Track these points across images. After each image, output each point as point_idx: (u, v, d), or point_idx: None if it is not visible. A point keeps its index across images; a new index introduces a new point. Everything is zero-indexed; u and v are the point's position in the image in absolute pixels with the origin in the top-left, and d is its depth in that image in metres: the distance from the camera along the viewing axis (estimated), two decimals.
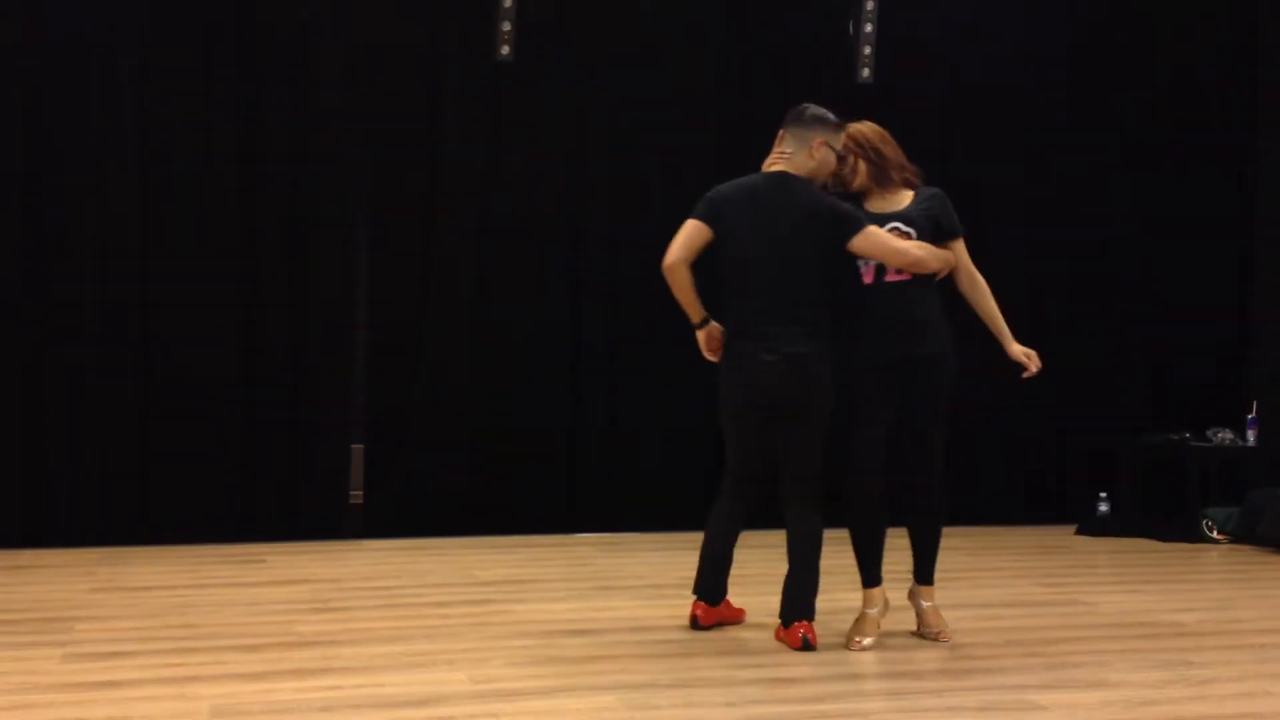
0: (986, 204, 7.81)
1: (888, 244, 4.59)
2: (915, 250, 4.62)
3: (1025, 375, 4.82)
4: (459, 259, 7.05)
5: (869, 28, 7.52)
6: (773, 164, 4.76)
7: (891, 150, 4.83)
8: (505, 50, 7.01)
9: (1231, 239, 8.03)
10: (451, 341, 7.03)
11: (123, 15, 6.48)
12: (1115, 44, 7.96)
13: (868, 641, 4.63)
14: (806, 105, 4.79)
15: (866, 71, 7.57)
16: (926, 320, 4.71)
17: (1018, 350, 4.84)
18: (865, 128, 4.85)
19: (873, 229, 4.60)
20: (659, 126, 7.31)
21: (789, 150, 4.74)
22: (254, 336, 6.72)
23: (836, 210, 4.63)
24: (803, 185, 4.69)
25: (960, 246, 4.81)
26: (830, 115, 4.77)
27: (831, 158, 4.75)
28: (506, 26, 6.99)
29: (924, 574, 4.84)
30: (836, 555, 5.02)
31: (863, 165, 4.83)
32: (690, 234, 4.73)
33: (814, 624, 4.59)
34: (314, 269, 6.79)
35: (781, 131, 4.77)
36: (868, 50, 7.54)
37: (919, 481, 4.73)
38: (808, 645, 4.52)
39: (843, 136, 4.77)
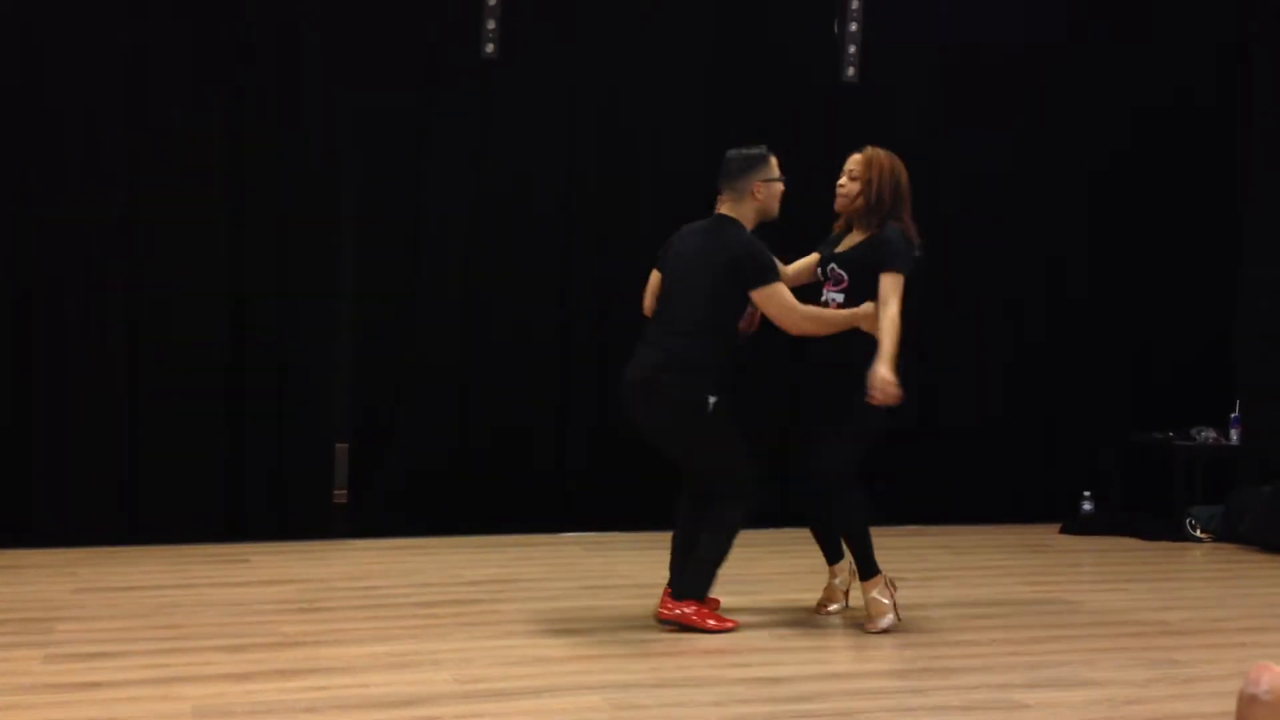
0: (971, 203, 7.82)
1: (782, 306, 4.72)
2: (804, 323, 4.76)
3: (872, 399, 4.66)
4: (446, 259, 7.03)
5: (854, 27, 7.52)
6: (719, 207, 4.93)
7: (898, 191, 4.85)
8: (490, 48, 7.00)
9: (1217, 238, 8.05)
10: (438, 340, 7.01)
11: (113, 6, 6.45)
12: (1103, 45, 7.97)
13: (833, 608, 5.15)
14: (729, 155, 4.88)
15: (851, 71, 7.57)
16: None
17: (881, 372, 4.63)
18: (886, 158, 4.89)
19: (777, 289, 4.73)
20: (646, 126, 7.30)
21: (729, 204, 4.86)
22: (239, 335, 6.68)
23: (750, 258, 4.73)
24: (730, 225, 4.82)
25: (886, 280, 4.72)
26: (754, 149, 4.87)
27: (775, 188, 4.88)
28: (491, 25, 6.97)
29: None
30: (805, 555, 5.03)
31: (857, 190, 4.86)
32: (651, 280, 5.05)
33: (697, 605, 4.76)
34: (300, 268, 6.76)
35: (719, 187, 4.89)
36: (852, 50, 7.54)
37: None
38: (668, 622, 4.77)
39: (773, 160, 4.87)
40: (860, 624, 4.93)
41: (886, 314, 4.69)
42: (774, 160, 4.86)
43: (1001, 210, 7.89)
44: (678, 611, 4.76)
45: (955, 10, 7.76)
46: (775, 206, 4.89)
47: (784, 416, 7.42)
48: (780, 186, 4.88)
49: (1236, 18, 7.88)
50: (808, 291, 5.04)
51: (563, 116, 7.21)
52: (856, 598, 5.09)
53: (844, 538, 5.00)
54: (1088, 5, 7.95)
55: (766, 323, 4.91)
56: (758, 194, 4.81)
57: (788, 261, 5.12)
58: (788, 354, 7.28)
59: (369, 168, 6.98)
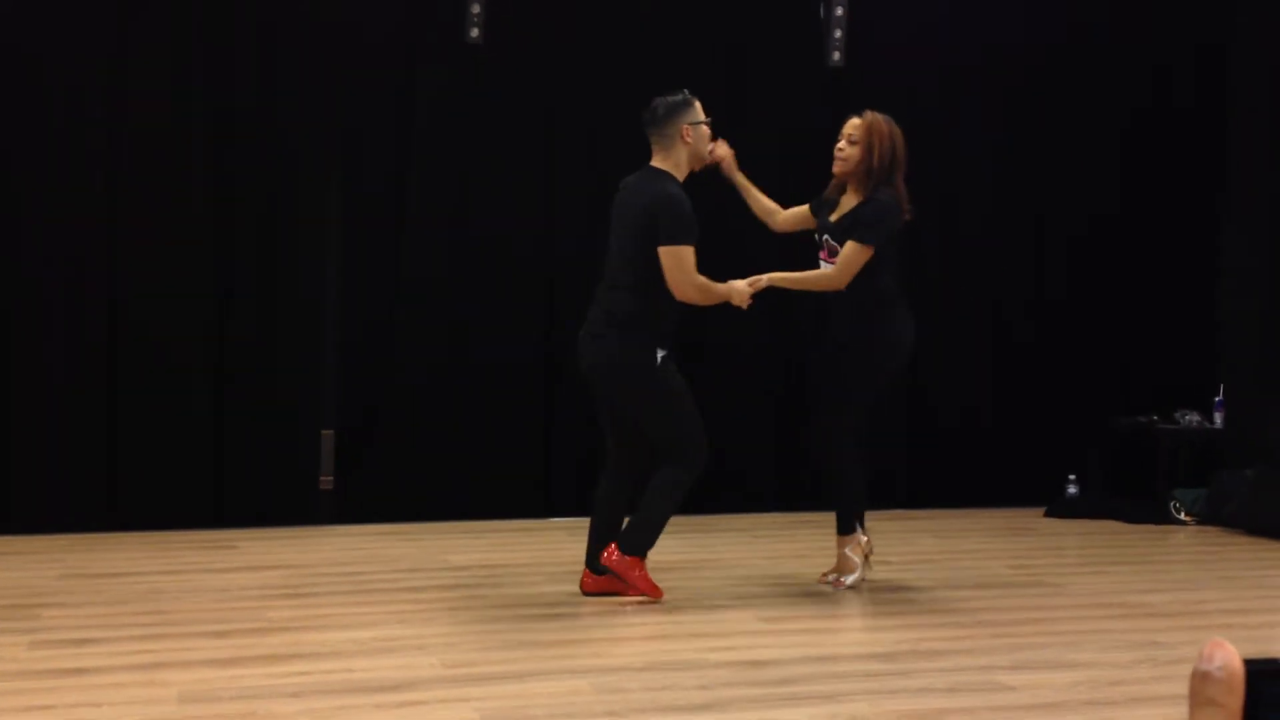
0: (957, 189, 7.83)
1: (680, 269, 4.74)
2: (692, 290, 4.77)
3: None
4: (431, 243, 7.02)
5: (839, 11, 7.51)
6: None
7: (895, 157, 4.93)
8: (475, 33, 6.97)
9: (1201, 223, 8.07)
10: (424, 326, 7.00)
11: (93, 3, 6.42)
12: (1092, 33, 7.96)
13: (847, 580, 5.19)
14: (654, 104, 4.94)
15: (837, 55, 7.55)
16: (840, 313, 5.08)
17: (740, 286, 4.93)
18: (885, 124, 4.95)
19: (683, 252, 4.73)
20: (630, 108, 7.24)
21: (660, 153, 4.92)
22: (224, 320, 6.67)
23: (667, 213, 4.76)
24: (659, 178, 4.87)
25: (851, 247, 4.91)
26: (677, 95, 4.94)
27: (703, 131, 4.94)
28: (476, 9, 6.94)
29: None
30: (792, 540, 5.04)
31: (857, 155, 4.91)
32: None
33: (636, 561, 4.85)
34: (285, 252, 6.74)
35: (649, 136, 4.97)
36: (838, 34, 7.53)
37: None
38: (594, 592, 4.92)
39: (698, 104, 4.94)
40: (839, 600, 4.94)
41: (825, 271, 4.96)
42: (698, 104, 4.93)
43: (988, 191, 7.89)
44: (615, 559, 4.81)
45: None
46: (705, 149, 4.97)
47: (784, 406, 7.46)
48: (707, 130, 4.94)
49: (1221, 17, 7.88)
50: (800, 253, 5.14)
51: (549, 102, 7.18)
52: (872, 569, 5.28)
53: (833, 491, 5.13)
54: None
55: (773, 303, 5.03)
56: (687, 138, 4.87)
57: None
58: (790, 344, 7.31)
59: (353, 153, 6.95)
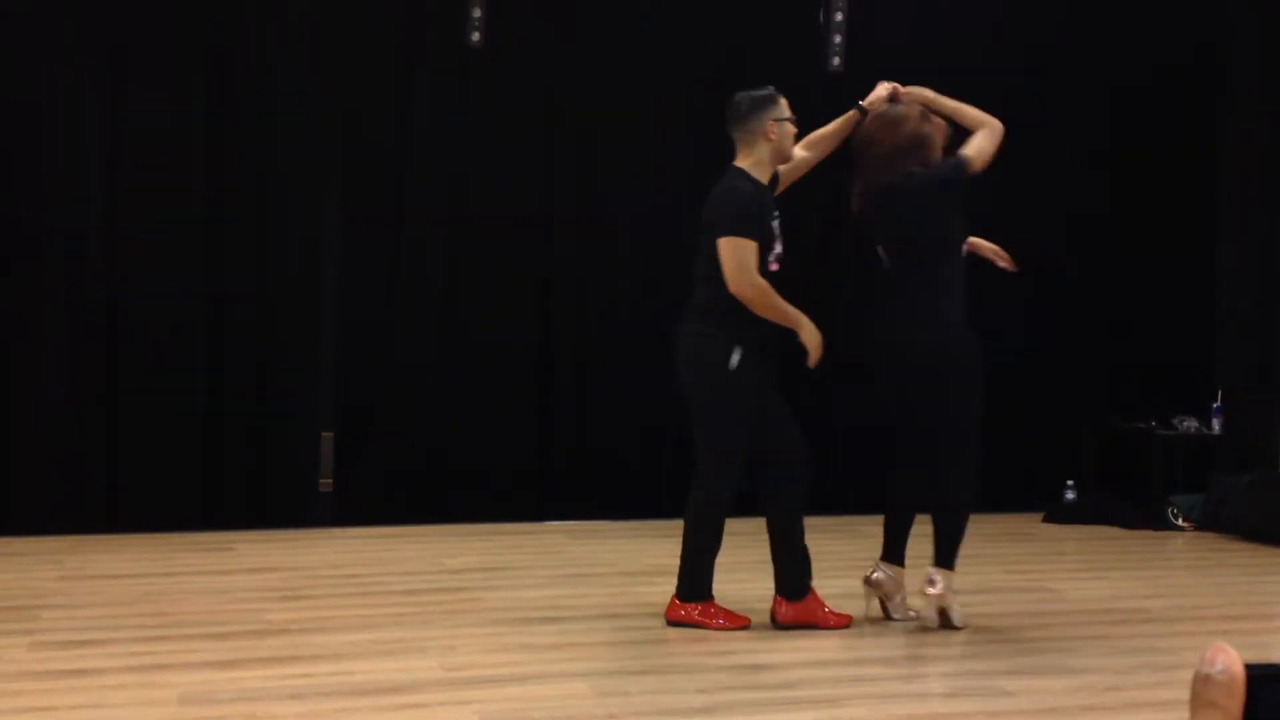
0: None
1: (738, 261, 4.52)
2: (749, 289, 4.52)
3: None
4: (429, 246, 7.03)
5: (839, 16, 7.52)
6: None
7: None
8: (475, 37, 6.98)
9: (1198, 227, 8.07)
10: (422, 328, 7.01)
11: (89, 5, 6.43)
12: (1091, 34, 7.97)
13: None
14: (737, 98, 4.75)
15: (837, 60, 7.56)
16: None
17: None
18: None
19: (738, 243, 4.51)
20: (628, 114, 7.29)
21: (743, 150, 4.73)
22: (223, 322, 6.68)
23: (722, 205, 4.60)
24: (732, 175, 4.70)
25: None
26: (760, 91, 4.75)
27: (788, 128, 4.75)
28: (477, 13, 6.95)
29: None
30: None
31: (937, 128, 4.95)
32: None
33: (701, 605, 4.67)
34: (283, 255, 6.75)
35: (731, 134, 4.78)
36: (838, 38, 7.54)
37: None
38: (676, 623, 4.65)
39: (783, 100, 4.76)
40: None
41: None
42: (784, 101, 4.74)
43: (983, 198, 7.87)
44: (682, 613, 4.66)
45: None
46: (789, 147, 4.77)
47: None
48: (792, 127, 4.74)
49: (1219, 16, 7.90)
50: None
51: (548, 107, 7.19)
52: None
53: (948, 523, 4.96)
54: None
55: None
56: (770, 134, 4.66)
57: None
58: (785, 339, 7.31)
59: (351, 156, 6.96)
